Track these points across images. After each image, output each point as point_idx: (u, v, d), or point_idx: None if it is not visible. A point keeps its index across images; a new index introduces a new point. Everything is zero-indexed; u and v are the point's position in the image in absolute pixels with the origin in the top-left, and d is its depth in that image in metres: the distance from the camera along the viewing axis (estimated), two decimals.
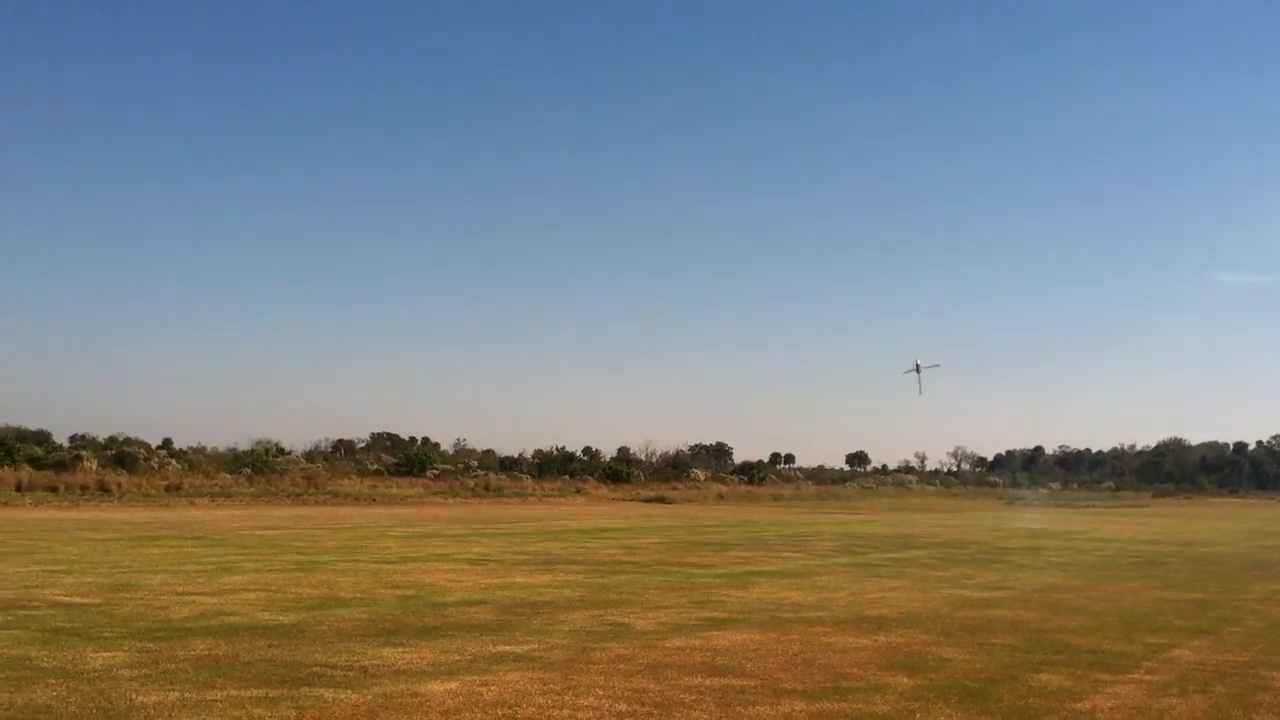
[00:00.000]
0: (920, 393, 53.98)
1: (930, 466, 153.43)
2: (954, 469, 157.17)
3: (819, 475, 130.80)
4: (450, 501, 79.50)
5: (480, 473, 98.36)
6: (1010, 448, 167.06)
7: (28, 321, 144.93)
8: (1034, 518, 71.91)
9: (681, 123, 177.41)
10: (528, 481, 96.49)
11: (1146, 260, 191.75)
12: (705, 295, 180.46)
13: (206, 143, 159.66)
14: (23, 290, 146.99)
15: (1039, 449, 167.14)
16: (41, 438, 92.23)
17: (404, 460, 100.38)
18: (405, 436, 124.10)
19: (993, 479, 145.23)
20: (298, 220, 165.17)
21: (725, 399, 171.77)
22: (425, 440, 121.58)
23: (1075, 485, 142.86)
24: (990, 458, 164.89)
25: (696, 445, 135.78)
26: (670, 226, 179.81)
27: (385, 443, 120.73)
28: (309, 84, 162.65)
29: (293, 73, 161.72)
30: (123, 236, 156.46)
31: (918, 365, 52.66)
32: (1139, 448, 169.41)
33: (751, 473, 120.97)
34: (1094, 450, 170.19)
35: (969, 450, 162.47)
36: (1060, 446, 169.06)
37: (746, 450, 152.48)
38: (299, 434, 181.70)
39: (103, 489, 69.77)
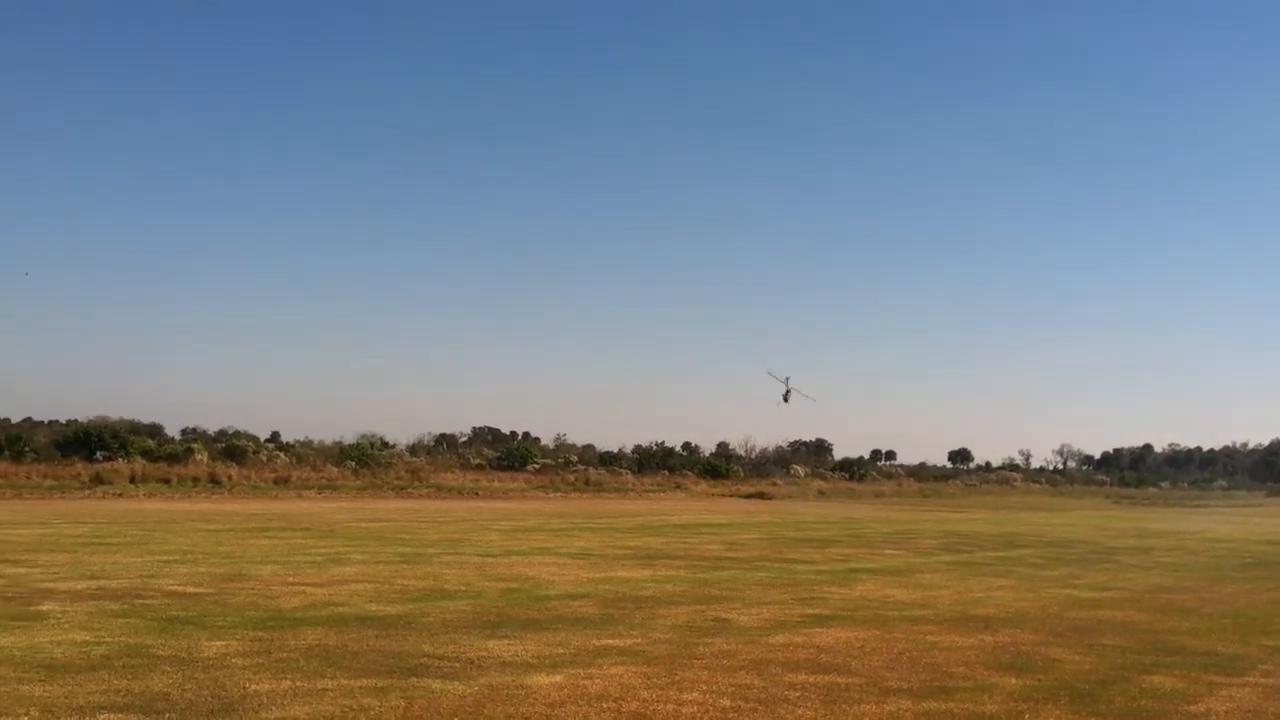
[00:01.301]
0: (785, 402, 52.01)
1: (1035, 464, 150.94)
2: (1060, 467, 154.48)
3: (921, 472, 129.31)
4: (551, 496, 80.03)
5: (580, 468, 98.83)
6: (1118, 445, 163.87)
7: (142, 316, 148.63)
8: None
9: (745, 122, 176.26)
10: (627, 477, 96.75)
11: (1260, 257, 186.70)
12: (805, 290, 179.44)
13: (307, 135, 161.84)
14: (138, 285, 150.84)
15: (1147, 447, 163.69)
16: (154, 431, 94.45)
17: (505, 455, 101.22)
18: (506, 431, 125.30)
19: (1100, 477, 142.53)
20: (405, 218, 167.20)
21: (825, 394, 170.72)
22: (526, 435, 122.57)
23: (1185, 484, 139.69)
24: (1097, 456, 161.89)
25: (796, 441, 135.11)
26: (760, 224, 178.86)
27: (487, 437, 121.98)
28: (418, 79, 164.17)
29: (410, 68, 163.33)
30: (227, 232, 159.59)
31: (787, 388, 51.00)
32: (1251, 446, 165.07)
33: (852, 469, 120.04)
34: (1204, 449, 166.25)
35: (1075, 448, 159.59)
36: (1169, 445, 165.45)
37: (847, 446, 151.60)
38: (402, 428, 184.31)
39: (213, 481, 71.32)
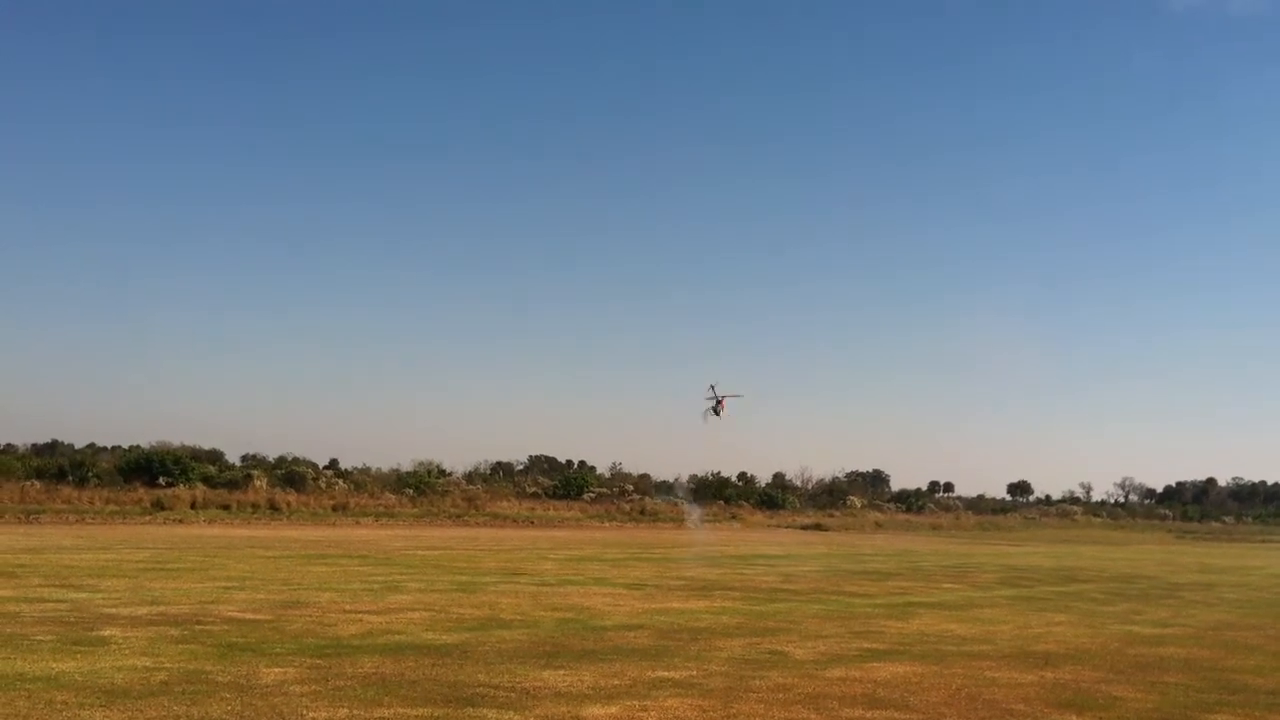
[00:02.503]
0: (714, 416, 47.48)
1: (1096, 497, 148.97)
2: (1121, 500, 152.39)
3: (979, 505, 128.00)
4: (606, 525, 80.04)
5: (636, 497, 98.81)
6: (1181, 479, 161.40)
7: (205, 342, 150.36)
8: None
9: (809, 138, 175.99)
10: (683, 506, 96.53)
11: None
12: (861, 320, 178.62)
13: (371, 163, 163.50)
14: (202, 312, 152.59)
15: (1211, 481, 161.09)
16: (215, 457, 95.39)
17: (561, 483, 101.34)
18: (562, 459, 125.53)
19: (1162, 511, 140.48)
20: (466, 249, 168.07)
21: (882, 424, 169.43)
22: (582, 464, 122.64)
23: (1250, 519, 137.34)
24: (1159, 489, 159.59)
25: (853, 472, 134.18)
26: (817, 257, 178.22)
27: (543, 465, 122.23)
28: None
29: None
30: (289, 261, 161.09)
31: (715, 397, 46.98)
32: None
33: (909, 501, 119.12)
34: (1270, 483, 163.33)
35: (1137, 481, 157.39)
36: (1234, 478, 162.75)
37: (904, 477, 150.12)
38: (459, 455, 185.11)
39: (272, 507, 72.01)
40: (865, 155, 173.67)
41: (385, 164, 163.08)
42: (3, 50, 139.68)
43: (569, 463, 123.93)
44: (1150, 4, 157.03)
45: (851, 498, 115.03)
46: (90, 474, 76.68)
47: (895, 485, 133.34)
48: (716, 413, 47.23)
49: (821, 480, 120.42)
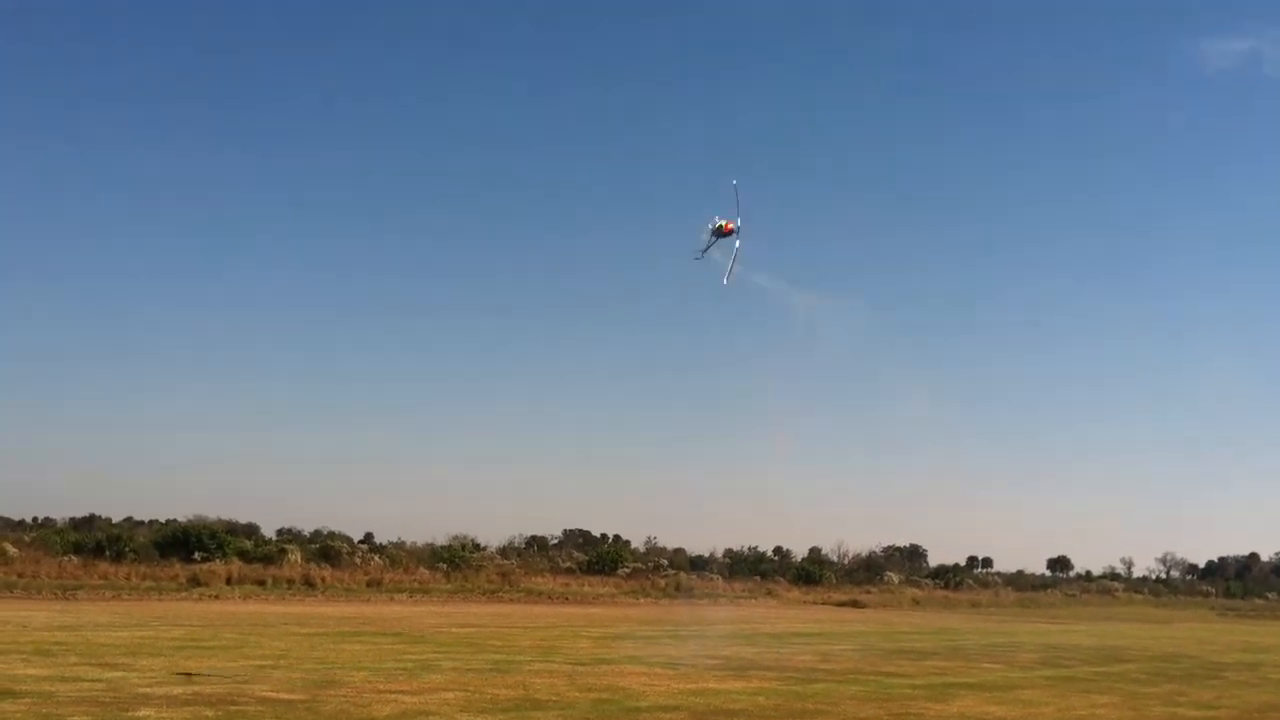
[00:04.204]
0: (706, 256, 37.15)
1: (1137, 573, 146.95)
2: (1163, 576, 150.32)
3: (1018, 581, 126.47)
4: (641, 601, 79.58)
5: (671, 572, 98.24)
6: (1223, 554, 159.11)
7: (241, 417, 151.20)
8: None
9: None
10: (718, 582, 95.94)
11: None
12: (897, 391, 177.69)
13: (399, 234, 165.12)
14: (237, 385, 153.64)
15: (1254, 556, 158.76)
16: (250, 531, 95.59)
17: (596, 558, 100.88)
18: (597, 534, 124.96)
19: (1204, 588, 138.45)
20: (498, 324, 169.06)
21: (919, 496, 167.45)
22: (616, 538, 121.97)
23: None
24: (1201, 564, 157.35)
25: (890, 547, 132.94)
26: (850, 322, 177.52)
27: (577, 539, 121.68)
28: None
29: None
30: (323, 334, 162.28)
31: (715, 229, 36.77)
32: None
33: (947, 577, 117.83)
34: None
35: (1178, 556, 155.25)
36: (1277, 553, 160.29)
37: (942, 552, 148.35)
38: (494, 529, 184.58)
39: (307, 583, 71.99)
40: (922, 224, 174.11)
41: (431, 244, 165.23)
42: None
43: (603, 537, 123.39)
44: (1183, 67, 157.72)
45: (889, 573, 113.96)
46: (127, 548, 76.97)
47: (933, 560, 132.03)
48: (720, 239, 36.77)
49: (858, 555, 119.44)
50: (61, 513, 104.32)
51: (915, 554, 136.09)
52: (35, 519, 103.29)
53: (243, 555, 78.87)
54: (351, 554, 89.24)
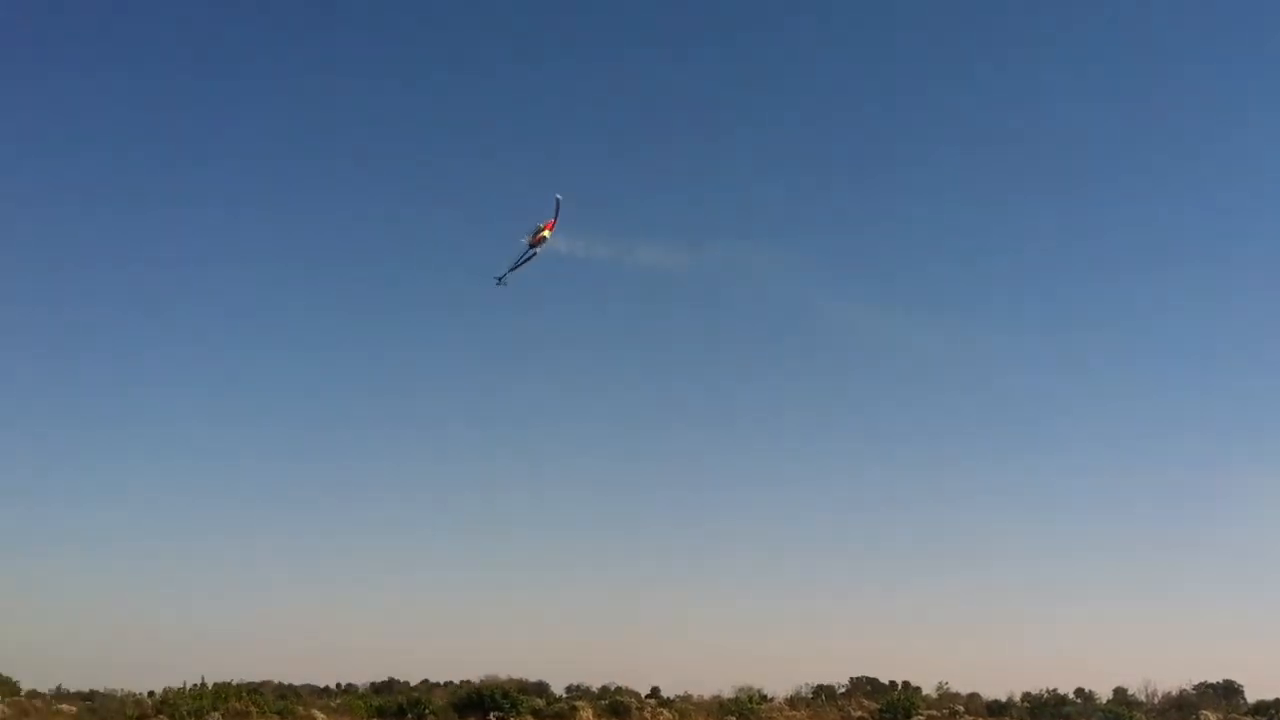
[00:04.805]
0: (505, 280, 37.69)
1: None
2: None
3: None
4: None
5: (967, 719, 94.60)
6: None
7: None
8: None
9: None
10: None
11: None
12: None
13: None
14: (528, 542, 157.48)
15: None
16: (541, 689, 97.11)
17: (886, 706, 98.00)
18: (885, 680, 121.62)
19: None
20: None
21: (1230, 620, 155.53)
22: (906, 684, 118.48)
23: None
24: None
25: (1201, 684, 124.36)
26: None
27: (865, 687, 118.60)
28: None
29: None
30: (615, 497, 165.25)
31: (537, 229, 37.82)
32: None
33: (1269, 713, 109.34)
34: None
35: None
36: None
37: (1263, 685, 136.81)
38: (779, 677, 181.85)
39: None
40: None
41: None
42: None
43: (892, 684, 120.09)
44: None
45: (1204, 712, 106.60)
46: (427, 710, 79.42)
47: (1251, 696, 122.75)
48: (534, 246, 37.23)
49: (1168, 694, 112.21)
50: (360, 678, 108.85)
51: (1230, 690, 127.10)
52: (339, 684, 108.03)
53: (535, 714, 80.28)
54: (640, 709, 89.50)
